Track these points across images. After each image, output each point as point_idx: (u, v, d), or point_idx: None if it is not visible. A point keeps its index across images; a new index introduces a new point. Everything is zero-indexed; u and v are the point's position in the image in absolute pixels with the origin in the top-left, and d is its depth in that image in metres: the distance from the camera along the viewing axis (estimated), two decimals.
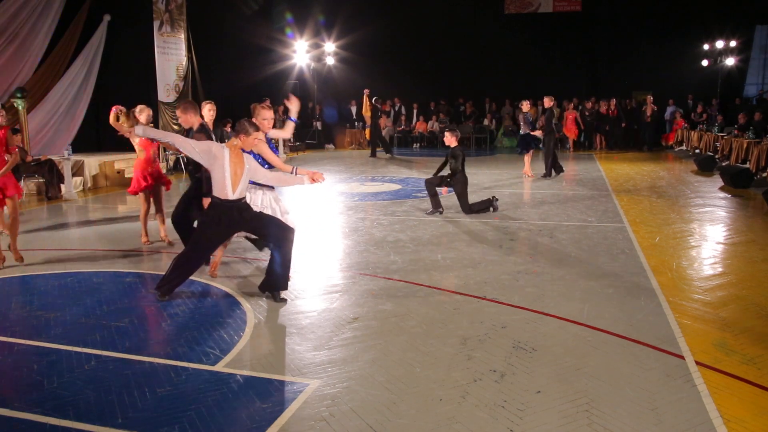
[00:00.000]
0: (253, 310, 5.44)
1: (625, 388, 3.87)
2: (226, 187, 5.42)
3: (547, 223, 9.02)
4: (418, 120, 25.15)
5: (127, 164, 14.82)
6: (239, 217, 5.56)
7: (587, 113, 21.58)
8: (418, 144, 24.63)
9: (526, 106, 14.17)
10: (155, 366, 4.32)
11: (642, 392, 3.82)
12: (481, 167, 16.89)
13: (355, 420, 3.54)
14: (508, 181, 13.86)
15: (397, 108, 25.01)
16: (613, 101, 21.84)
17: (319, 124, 24.78)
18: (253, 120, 6.04)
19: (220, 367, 4.28)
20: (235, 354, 4.50)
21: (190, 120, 6.79)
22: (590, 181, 13.59)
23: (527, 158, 14.29)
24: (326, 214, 10.16)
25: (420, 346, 4.60)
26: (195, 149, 5.43)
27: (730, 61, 22.33)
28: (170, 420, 3.56)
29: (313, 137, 24.44)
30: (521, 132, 14.19)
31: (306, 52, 23.72)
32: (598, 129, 21.89)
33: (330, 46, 24.29)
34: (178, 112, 6.98)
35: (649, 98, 21.71)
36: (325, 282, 6.29)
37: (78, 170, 13.68)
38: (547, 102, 14.22)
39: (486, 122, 24.50)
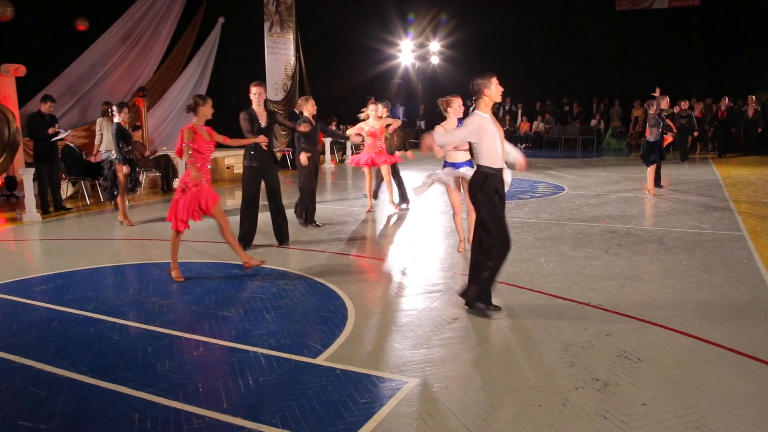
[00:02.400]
0: (355, 307, 5.52)
1: (742, 407, 3.63)
2: (497, 155, 5.20)
3: (657, 229, 8.63)
4: (522, 120, 24.72)
5: (236, 160, 15.44)
6: (502, 188, 5.30)
7: (684, 115, 18.84)
8: (523, 144, 24.23)
9: (665, 102, 11.72)
10: (259, 356, 4.47)
11: (762, 414, 3.56)
12: (587, 170, 16.39)
13: (452, 420, 3.52)
14: (616, 184, 13.36)
15: (506, 107, 24.67)
16: (725, 101, 20.33)
17: (423, 124, 24.80)
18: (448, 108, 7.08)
19: (320, 361, 4.37)
20: (336, 348, 4.58)
21: (310, 109, 8.70)
22: (704, 186, 12.86)
23: (651, 172, 11.75)
24: (428, 213, 10.17)
25: (520, 349, 4.51)
26: (464, 132, 5.25)
27: None
28: (272, 409, 3.67)
29: (417, 137, 24.50)
30: (649, 139, 11.54)
31: (411, 52, 23.83)
32: (700, 132, 20.29)
33: (435, 45, 24.27)
34: (300, 101, 8.91)
35: (751, 98, 20.11)
36: (426, 281, 6.30)
37: None
38: (664, 103, 13.47)
39: (593, 122, 23.74)
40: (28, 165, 11.25)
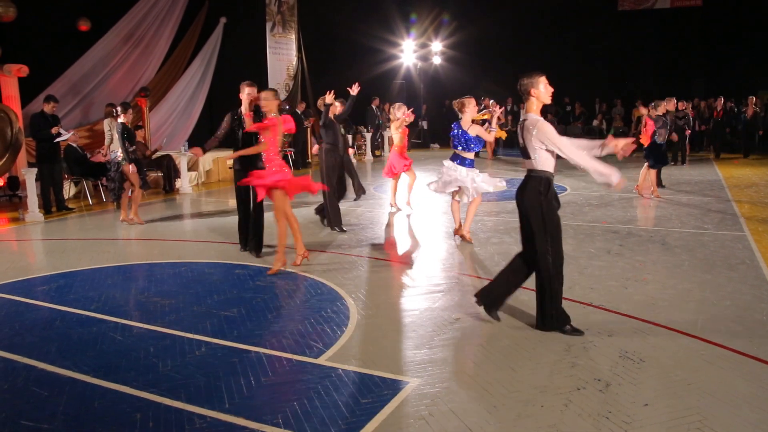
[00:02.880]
0: (357, 306, 5.52)
1: (744, 408, 3.63)
2: (553, 159, 4.86)
3: (659, 229, 8.62)
4: None
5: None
6: None
7: (681, 116, 17.61)
8: None
9: (671, 104, 11.52)
10: (261, 356, 4.47)
11: (763, 414, 3.56)
12: None
13: (454, 421, 3.52)
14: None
15: (508, 108, 24.65)
16: (720, 101, 20.15)
17: (425, 123, 24.78)
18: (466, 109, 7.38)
19: (322, 361, 4.37)
20: (338, 348, 4.58)
21: (333, 108, 8.83)
22: (707, 187, 12.85)
23: (654, 174, 11.61)
24: (430, 213, 10.17)
25: (522, 350, 4.51)
26: (560, 139, 4.79)
27: None
28: (274, 409, 3.68)
29: (419, 136, 24.49)
30: (658, 140, 11.28)
31: (413, 52, 23.83)
32: (692, 132, 20.03)
33: (437, 46, 24.27)
34: (320, 101, 8.79)
35: (751, 99, 19.98)
36: (428, 281, 6.30)
37: (193, 165, 14.38)
38: (670, 105, 13.42)
39: (595, 123, 23.72)
40: (30, 165, 11.27)
